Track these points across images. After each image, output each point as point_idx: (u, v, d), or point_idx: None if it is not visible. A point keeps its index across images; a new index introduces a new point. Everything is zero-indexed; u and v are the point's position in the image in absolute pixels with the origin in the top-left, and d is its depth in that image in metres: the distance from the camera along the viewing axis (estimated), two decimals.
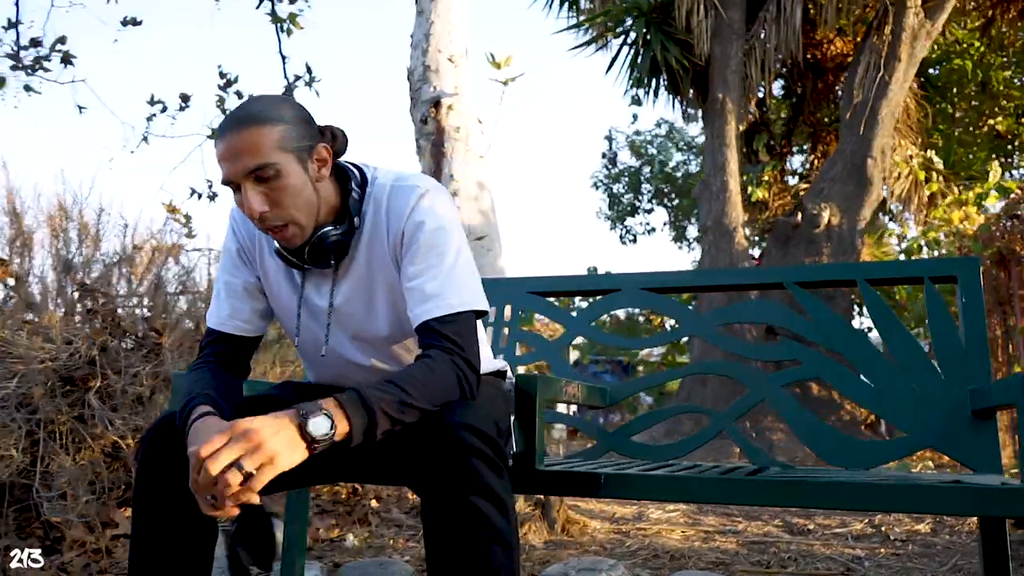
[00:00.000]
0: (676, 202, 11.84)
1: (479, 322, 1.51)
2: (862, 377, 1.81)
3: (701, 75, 5.39)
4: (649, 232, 12.32)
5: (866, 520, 2.93)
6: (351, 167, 1.41)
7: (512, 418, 1.52)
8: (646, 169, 11.68)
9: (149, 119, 5.64)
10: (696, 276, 2.02)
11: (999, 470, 1.64)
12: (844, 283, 1.93)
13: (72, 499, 2.57)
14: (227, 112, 5.62)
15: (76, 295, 2.84)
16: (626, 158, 12.45)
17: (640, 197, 12.22)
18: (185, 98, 5.63)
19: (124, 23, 5.74)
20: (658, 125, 11.70)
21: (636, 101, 6.03)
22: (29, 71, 5.44)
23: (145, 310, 3.10)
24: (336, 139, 1.40)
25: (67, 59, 5.59)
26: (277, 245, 1.36)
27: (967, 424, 1.69)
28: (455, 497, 1.17)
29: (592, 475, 1.47)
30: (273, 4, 5.19)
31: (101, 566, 2.44)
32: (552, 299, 2.17)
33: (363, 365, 1.45)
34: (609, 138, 12.42)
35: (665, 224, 12.24)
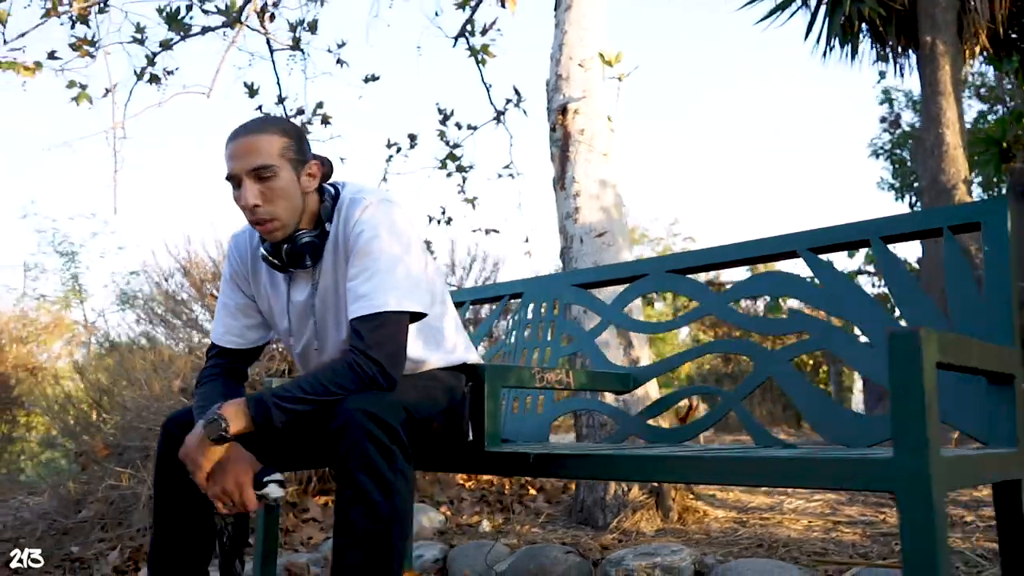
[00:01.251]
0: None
1: (450, 319, 1.69)
2: (869, 345, 1.64)
3: (906, 19, 4.75)
4: None
5: None
6: (330, 186, 1.66)
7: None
8: None
9: (388, 159, 6.41)
10: (712, 253, 1.95)
11: (1013, 443, 1.41)
12: (858, 244, 1.74)
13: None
14: (448, 143, 6.24)
15: None
16: (910, 118, 11.10)
17: None
18: (413, 137, 6.32)
19: (366, 80, 6.59)
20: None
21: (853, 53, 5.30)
22: None
23: None
24: (324, 164, 1.64)
25: (325, 120, 6.57)
26: (263, 252, 1.62)
27: (982, 393, 1.47)
28: (342, 471, 1.36)
29: (522, 455, 1.56)
30: (468, 39, 5.64)
31: (299, 536, 2.96)
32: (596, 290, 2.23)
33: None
34: (889, 99, 11.19)
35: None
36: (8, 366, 5.00)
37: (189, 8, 5.48)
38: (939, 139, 4.46)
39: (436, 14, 5.75)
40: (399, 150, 6.36)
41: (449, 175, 6.31)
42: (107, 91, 5.75)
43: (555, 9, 3.86)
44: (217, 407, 1.41)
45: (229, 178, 1.52)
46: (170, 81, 5.83)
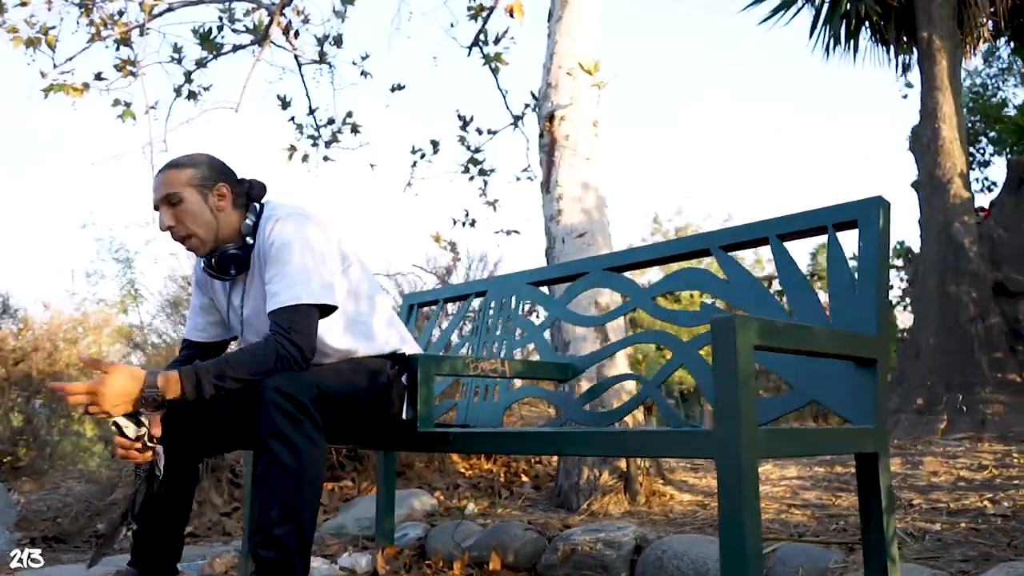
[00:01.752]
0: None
1: (380, 316, 1.92)
2: None
3: (905, 15, 4.76)
4: (988, 188, 10.63)
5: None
6: (257, 204, 1.91)
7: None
8: (975, 118, 10.15)
9: (413, 165, 6.68)
10: (640, 252, 2.12)
11: (872, 421, 1.56)
12: (758, 242, 1.90)
13: None
14: (470, 148, 6.47)
15: None
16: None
17: (981, 149, 10.63)
18: (435, 144, 6.57)
19: (392, 89, 6.87)
20: (987, 63, 10.07)
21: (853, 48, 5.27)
22: (327, 145, 6.82)
23: None
24: (253, 187, 1.91)
25: (355, 129, 6.87)
26: (203, 264, 1.90)
27: (848, 375, 1.62)
28: (260, 439, 1.60)
29: (444, 434, 1.77)
30: (481, 48, 5.86)
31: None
32: (544, 288, 2.42)
33: None
34: None
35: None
36: (62, 365, 5.42)
37: (220, 28, 5.83)
38: (935, 133, 4.47)
39: (451, 25, 5.97)
40: (423, 156, 6.62)
41: (471, 179, 6.54)
42: (149, 108, 6.15)
43: (548, 20, 4.05)
44: (153, 376, 1.61)
45: (154, 207, 1.81)
46: (205, 97, 6.21)
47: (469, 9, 5.79)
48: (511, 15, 5.50)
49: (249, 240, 1.84)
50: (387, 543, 2.65)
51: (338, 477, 3.64)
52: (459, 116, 6.41)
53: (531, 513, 2.97)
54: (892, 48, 4.86)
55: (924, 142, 4.47)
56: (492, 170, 6.49)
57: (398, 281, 4.31)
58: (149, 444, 1.67)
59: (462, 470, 3.81)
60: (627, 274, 2.19)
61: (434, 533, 2.75)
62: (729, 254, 1.94)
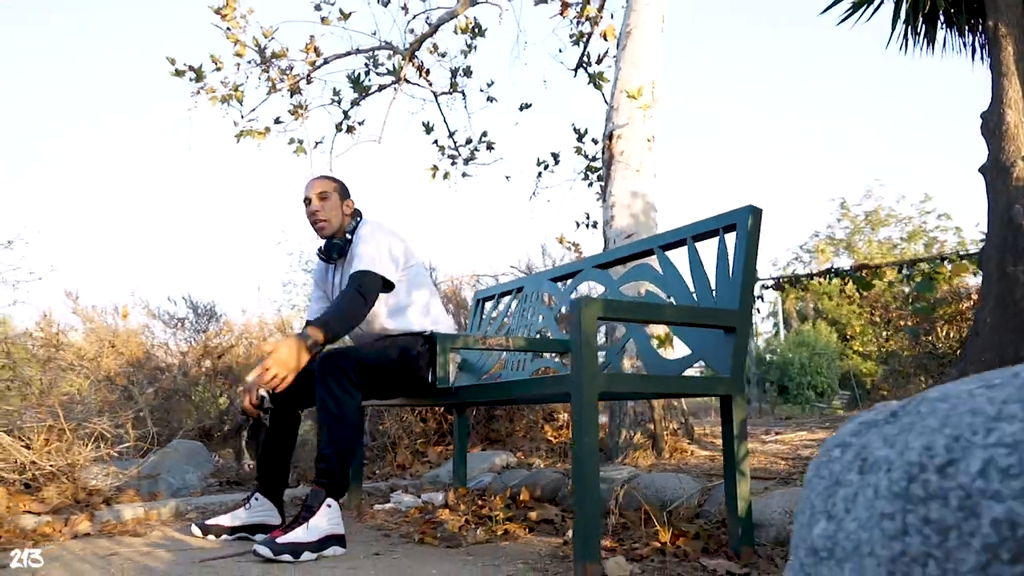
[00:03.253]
0: None
1: (417, 305, 2.72)
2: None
3: (974, 4, 4.81)
4: None
5: None
6: (358, 219, 2.84)
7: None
8: None
9: (538, 176, 7.44)
10: (613, 253, 2.74)
11: (728, 371, 2.12)
12: (681, 243, 2.47)
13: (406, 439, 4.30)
14: (586, 156, 7.13)
15: None
16: None
17: None
18: (556, 156, 7.30)
19: (520, 108, 7.68)
20: None
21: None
22: (465, 162, 7.75)
23: None
24: (354, 207, 2.85)
25: (490, 146, 7.76)
26: (318, 252, 2.85)
27: (719, 339, 2.19)
28: (316, 394, 2.43)
29: (450, 388, 2.51)
30: (585, 68, 6.51)
31: (411, 471, 4.08)
32: (560, 284, 3.10)
33: None
34: None
35: None
36: (254, 360, 6.67)
37: (367, 72, 6.89)
38: (1001, 118, 4.53)
39: (560, 51, 6.66)
40: (547, 167, 7.38)
41: (590, 184, 7.21)
42: (316, 143, 7.34)
43: (616, 49, 4.67)
44: (305, 336, 2.48)
45: (305, 200, 2.76)
46: (360, 130, 7.32)
47: (571, 36, 6.47)
48: (605, 39, 6.13)
49: (348, 237, 2.77)
50: (460, 485, 3.43)
51: (446, 441, 4.47)
52: (575, 129, 7.10)
53: None
54: (966, 35, 4.96)
55: (991, 127, 4.55)
56: None
57: (498, 279, 5.06)
58: (268, 406, 2.58)
59: (550, 438, 4.52)
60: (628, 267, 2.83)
61: (496, 479, 3.50)
62: (665, 253, 2.53)
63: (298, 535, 2.24)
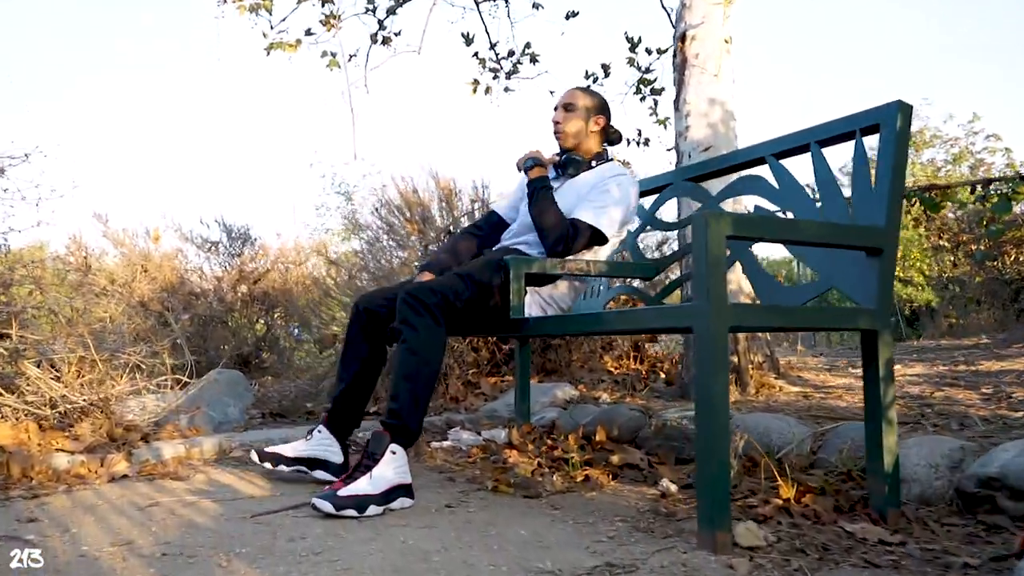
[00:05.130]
0: None
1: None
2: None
3: None
4: None
5: None
6: (608, 150, 2.68)
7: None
8: None
9: None
10: (709, 164, 2.36)
11: (873, 303, 1.77)
12: (801, 149, 2.08)
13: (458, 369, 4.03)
14: (639, 68, 6.64)
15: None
16: None
17: None
18: (606, 67, 6.79)
19: (567, 17, 7.13)
20: None
21: None
22: (507, 76, 7.27)
23: None
24: (613, 134, 2.67)
25: (534, 59, 7.25)
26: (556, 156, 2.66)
27: (859, 263, 1.83)
28: (396, 328, 2.13)
29: (525, 320, 2.19)
30: None
31: (465, 403, 3.81)
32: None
33: None
34: None
35: None
36: (291, 284, 6.44)
37: None
38: None
39: None
40: (596, 79, 6.87)
41: (643, 99, 6.71)
42: (351, 56, 6.91)
43: None
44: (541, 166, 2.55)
45: (555, 108, 2.64)
46: (396, 41, 6.86)
47: None
48: None
49: (593, 164, 2.58)
50: (524, 421, 3.15)
51: (501, 372, 4.19)
52: (627, 38, 6.57)
53: (652, 401, 3.33)
54: None
55: None
56: (662, 89, 6.63)
57: None
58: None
59: (611, 369, 4.22)
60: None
61: (563, 415, 3.21)
62: (780, 161, 2.15)
63: (361, 486, 1.97)
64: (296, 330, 6.78)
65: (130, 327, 4.09)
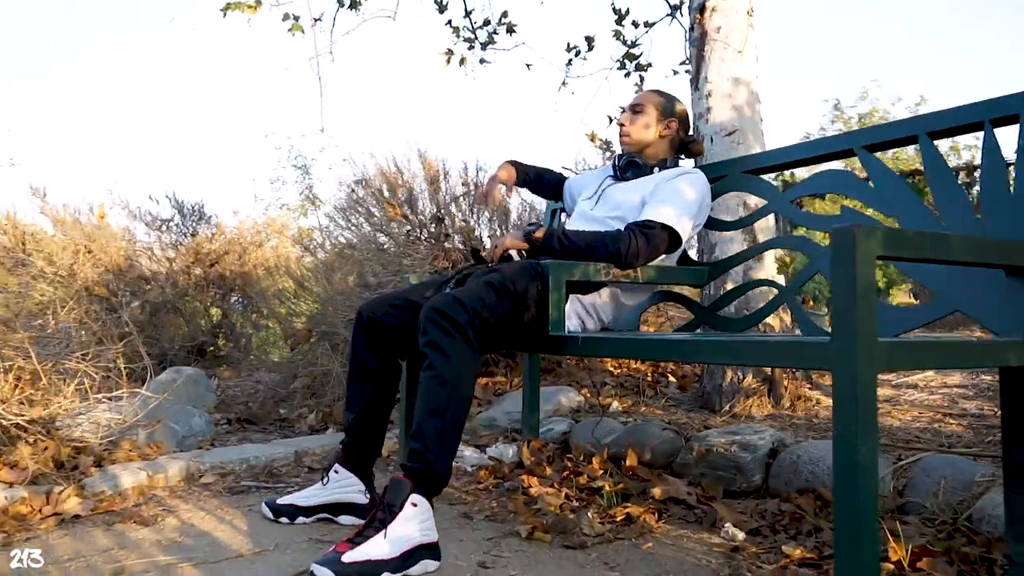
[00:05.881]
0: None
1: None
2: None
3: None
4: None
5: None
6: (682, 161, 2.39)
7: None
8: None
9: (568, 63, 6.57)
10: (777, 155, 2.03)
11: (1021, 333, 1.46)
12: (905, 141, 1.76)
13: None
14: (625, 42, 6.27)
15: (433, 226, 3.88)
16: None
17: None
18: (590, 40, 6.40)
19: None
20: None
21: None
22: (483, 47, 6.83)
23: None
24: (692, 144, 2.37)
25: (511, 29, 6.82)
26: (616, 158, 2.38)
27: (997, 284, 1.51)
28: (420, 350, 1.75)
29: (572, 338, 1.83)
30: None
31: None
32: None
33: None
34: None
35: None
36: (250, 266, 5.96)
37: None
38: None
39: None
40: (578, 53, 6.49)
41: (627, 75, 6.36)
42: (315, 20, 6.40)
43: None
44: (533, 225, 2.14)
45: (623, 108, 2.44)
46: (366, 6, 6.36)
47: None
48: None
49: (656, 169, 2.26)
50: (533, 436, 2.81)
51: (492, 372, 3.83)
52: (614, 9, 6.19)
53: (673, 413, 3.02)
54: None
55: None
56: (649, 65, 6.28)
57: None
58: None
59: (611, 369, 3.90)
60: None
61: (577, 428, 2.87)
62: (874, 155, 1.83)
63: (374, 548, 1.60)
64: (241, 306, 6.32)
65: (74, 317, 3.61)
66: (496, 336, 1.90)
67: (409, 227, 3.90)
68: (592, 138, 6.26)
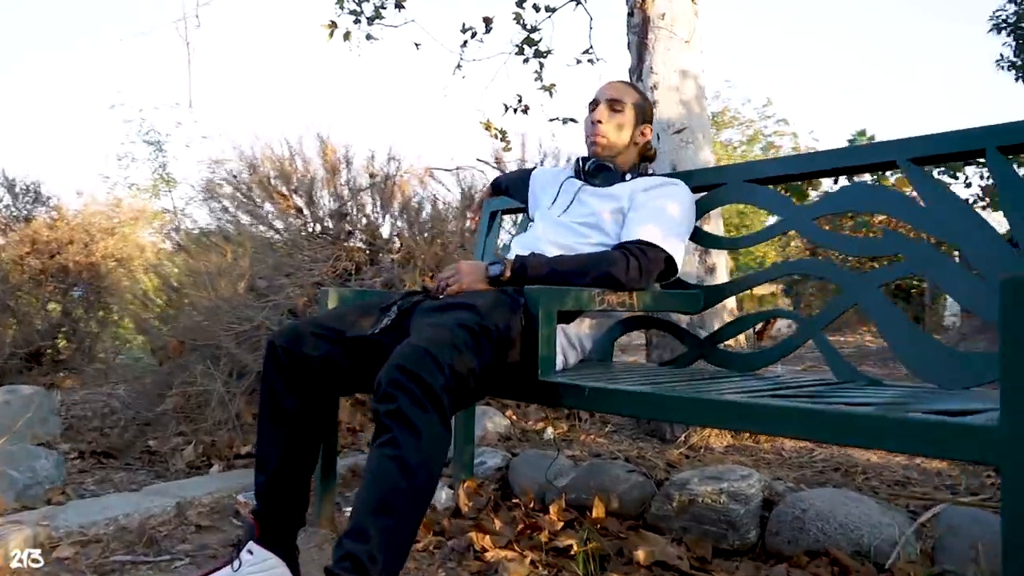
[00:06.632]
0: None
1: None
2: (980, 277, 1.43)
3: None
4: None
5: None
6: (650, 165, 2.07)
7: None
8: None
9: (463, 45, 6.14)
10: (798, 162, 1.73)
11: None
12: (970, 154, 1.50)
13: None
14: (525, 26, 5.92)
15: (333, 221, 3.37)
16: None
17: None
18: (488, 21, 6.01)
19: None
20: None
21: None
22: (369, 21, 6.28)
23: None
24: (651, 151, 2.04)
25: (399, 3, 6.32)
26: (578, 159, 2.01)
27: None
28: (379, 416, 1.30)
29: (578, 387, 1.45)
30: None
31: (366, 436, 2.97)
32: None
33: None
34: None
35: None
36: (99, 257, 5.17)
37: None
38: None
39: None
40: (474, 35, 6.07)
41: (526, 61, 6.01)
42: None
43: None
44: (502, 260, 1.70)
45: (592, 102, 1.99)
46: None
47: None
48: None
49: (627, 176, 1.94)
50: (468, 475, 2.41)
51: None
52: None
53: (619, 442, 2.71)
54: None
55: None
56: (549, 51, 5.96)
57: (460, 176, 3.93)
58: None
59: None
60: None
61: (517, 465, 2.49)
62: (924, 168, 1.55)
63: None
64: (82, 298, 5.51)
65: None
66: (472, 394, 1.48)
67: (303, 222, 3.38)
68: (488, 127, 5.88)
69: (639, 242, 1.71)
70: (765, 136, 25.21)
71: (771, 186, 1.83)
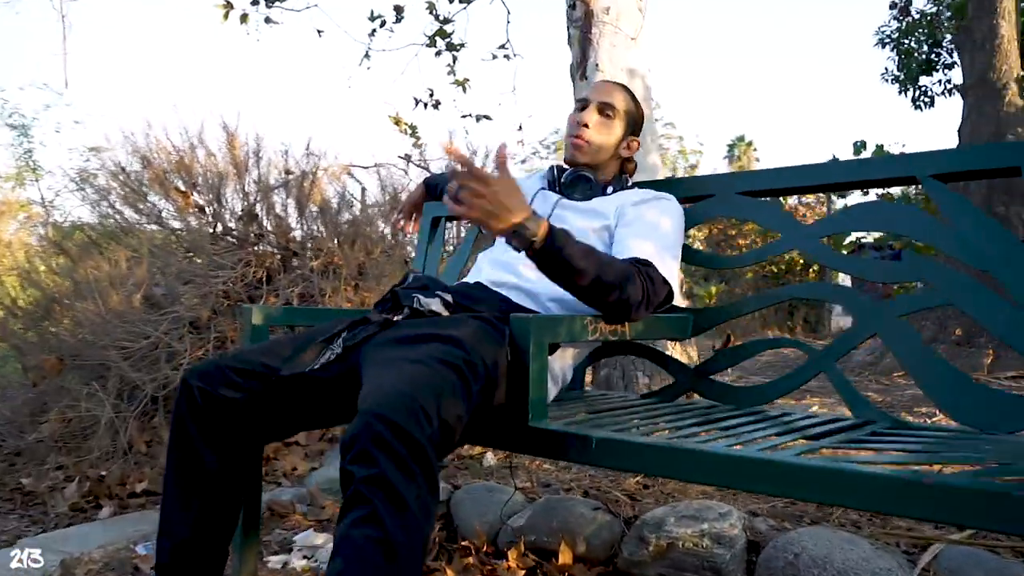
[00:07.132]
0: None
1: None
2: (1019, 307, 1.30)
3: None
4: (949, 93, 10.36)
5: None
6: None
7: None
8: (947, 15, 9.73)
9: (371, 34, 5.81)
10: (799, 174, 1.57)
11: None
12: (1003, 171, 1.37)
13: None
14: (438, 17, 5.66)
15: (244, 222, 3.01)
16: (922, 4, 10.53)
17: (939, 51, 10.31)
18: (399, 10, 5.71)
19: None
20: None
21: None
22: (268, 3, 5.85)
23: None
24: (631, 164, 1.82)
25: None
26: (553, 170, 1.78)
27: None
28: (351, 481, 1.03)
29: (583, 437, 1.22)
30: None
31: (282, 466, 2.65)
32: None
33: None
34: None
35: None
36: None
37: None
38: (992, 30, 3.97)
39: None
40: (383, 24, 5.77)
41: (438, 54, 5.76)
42: None
43: None
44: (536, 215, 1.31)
45: (580, 101, 1.78)
46: None
47: None
48: None
49: (609, 189, 1.73)
50: None
51: None
52: None
53: (568, 468, 2.50)
54: None
55: (978, 40, 3.96)
56: (463, 44, 5.71)
57: (380, 175, 3.62)
58: None
59: None
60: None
61: (462, 500, 2.24)
62: (946, 185, 1.41)
63: None
64: None
65: None
66: (454, 446, 1.23)
67: (205, 221, 3.00)
68: (397, 121, 5.59)
69: (648, 263, 1.48)
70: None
71: (766, 199, 1.66)
